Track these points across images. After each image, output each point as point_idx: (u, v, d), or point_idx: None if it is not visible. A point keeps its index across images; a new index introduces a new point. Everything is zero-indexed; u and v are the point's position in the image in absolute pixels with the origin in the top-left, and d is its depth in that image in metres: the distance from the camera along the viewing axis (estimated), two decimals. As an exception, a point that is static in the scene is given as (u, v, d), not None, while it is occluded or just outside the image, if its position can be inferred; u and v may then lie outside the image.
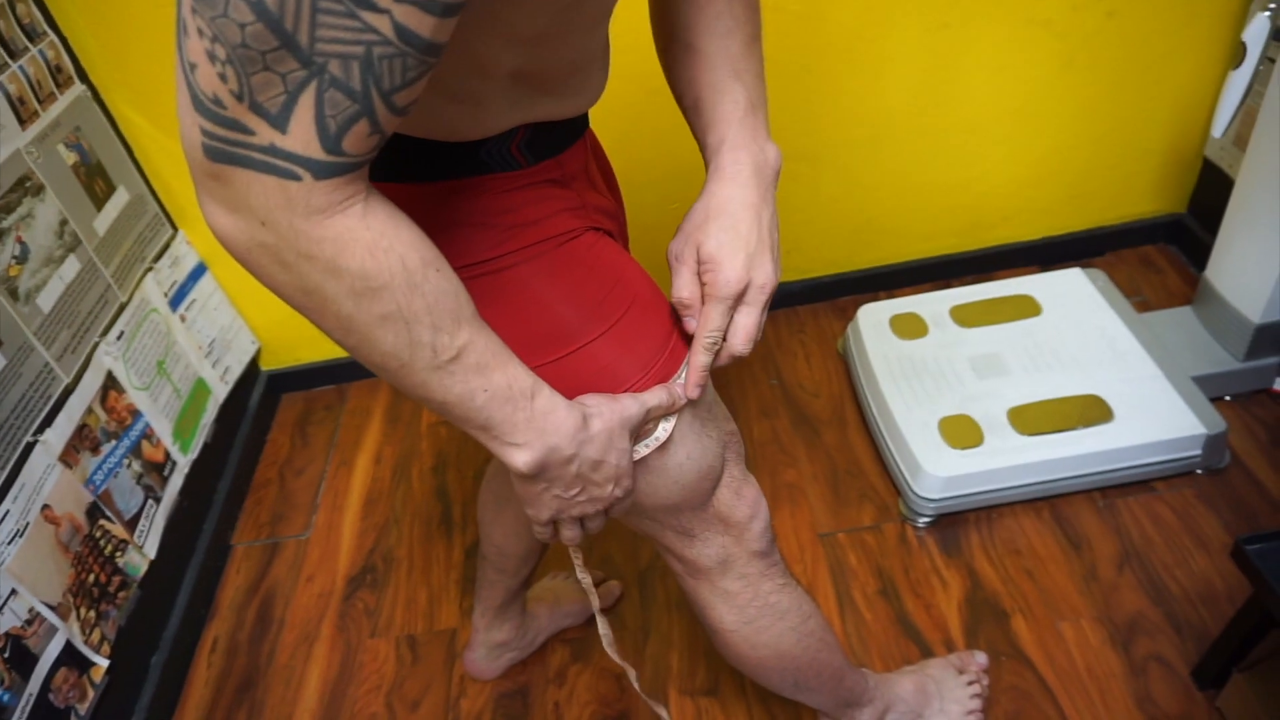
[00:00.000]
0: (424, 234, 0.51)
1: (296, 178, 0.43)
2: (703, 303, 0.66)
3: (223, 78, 0.40)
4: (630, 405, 0.62)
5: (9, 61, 1.20)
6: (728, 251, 0.64)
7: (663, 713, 0.98)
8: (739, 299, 0.65)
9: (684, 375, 0.68)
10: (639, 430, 0.64)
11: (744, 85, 0.67)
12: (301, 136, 0.42)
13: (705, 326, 0.65)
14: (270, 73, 0.40)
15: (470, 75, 0.55)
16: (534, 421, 0.56)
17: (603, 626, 0.83)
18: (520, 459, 0.57)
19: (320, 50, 0.40)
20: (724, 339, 0.66)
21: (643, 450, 0.67)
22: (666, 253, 0.68)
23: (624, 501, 0.65)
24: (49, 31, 1.29)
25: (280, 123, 0.42)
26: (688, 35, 0.67)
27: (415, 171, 0.59)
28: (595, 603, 0.80)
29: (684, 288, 0.66)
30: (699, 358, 0.66)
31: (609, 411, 0.61)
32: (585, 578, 0.78)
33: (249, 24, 0.39)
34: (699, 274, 0.65)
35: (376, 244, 0.47)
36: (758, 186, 0.66)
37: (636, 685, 0.90)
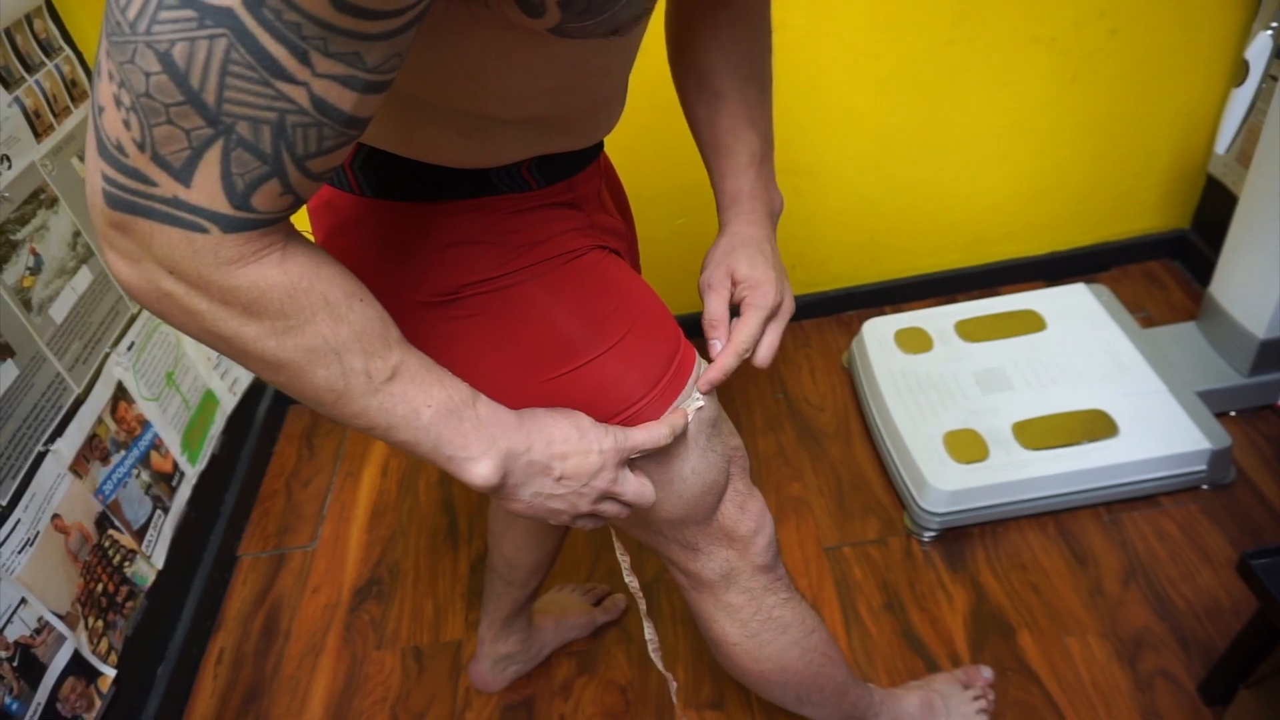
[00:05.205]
0: (344, 268, 0.50)
1: (203, 230, 0.41)
2: (733, 318, 0.72)
3: (126, 124, 0.39)
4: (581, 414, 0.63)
5: (25, 76, 1.21)
6: (762, 272, 0.71)
7: None
8: (775, 312, 0.71)
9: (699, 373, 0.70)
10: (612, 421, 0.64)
11: (758, 134, 0.73)
12: (207, 191, 0.40)
13: (742, 333, 0.70)
14: (173, 127, 0.38)
15: (480, 118, 0.56)
16: (481, 428, 0.55)
17: (650, 632, 0.84)
18: (480, 471, 0.55)
19: (228, 111, 0.38)
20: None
21: (692, 407, 0.68)
22: (698, 286, 0.73)
23: (623, 486, 0.63)
24: (64, 46, 1.31)
25: (183, 177, 0.40)
26: (709, 77, 0.72)
27: (423, 192, 0.60)
28: (642, 606, 0.82)
29: (716, 309, 0.71)
30: (728, 359, 0.69)
31: (548, 408, 0.62)
32: (632, 580, 0.80)
33: (154, 74, 0.37)
34: (734, 295, 0.72)
35: (296, 286, 0.46)
36: (771, 227, 0.74)
37: (675, 698, 0.91)
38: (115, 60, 0.38)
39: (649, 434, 0.64)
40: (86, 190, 0.42)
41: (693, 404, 0.68)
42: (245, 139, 0.39)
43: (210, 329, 0.46)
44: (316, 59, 0.38)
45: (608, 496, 0.62)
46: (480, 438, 0.55)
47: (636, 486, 0.64)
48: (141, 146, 0.39)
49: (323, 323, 0.47)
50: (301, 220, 0.57)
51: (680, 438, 0.68)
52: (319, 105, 0.39)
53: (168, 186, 0.40)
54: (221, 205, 0.41)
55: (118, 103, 0.39)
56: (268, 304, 0.45)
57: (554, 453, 0.59)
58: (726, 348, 0.70)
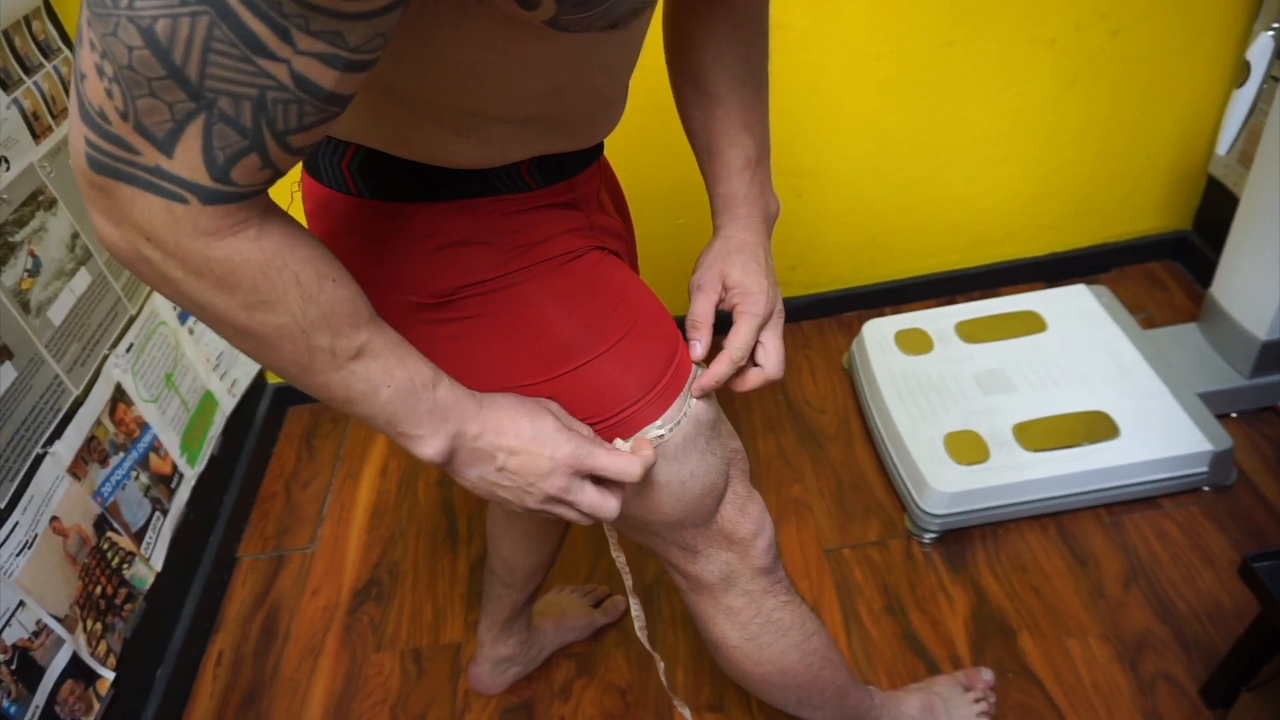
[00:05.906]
0: (321, 247, 0.50)
1: (183, 200, 0.42)
2: (729, 323, 0.72)
3: (109, 94, 0.39)
4: (550, 403, 0.63)
5: (24, 78, 1.21)
6: (754, 278, 0.71)
7: (685, 712, 1.01)
8: (767, 319, 0.71)
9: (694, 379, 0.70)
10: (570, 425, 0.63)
11: (753, 138, 0.73)
12: (188, 163, 0.41)
13: (736, 340, 0.70)
14: (156, 99, 0.39)
15: (479, 117, 0.56)
16: (437, 410, 0.56)
17: (635, 609, 0.83)
18: (426, 450, 0.56)
19: (210, 87, 0.38)
20: (751, 361, 0.72)
21: (653, 433, 0.66)
22: (688, 287, 0.73)
23: (577, 496, 0.61)
24: (63, 48, 1.31)
25: (166, 147, 0.40)
26: (705, 80, 0.71)
27: (421, 193, 0.60)
28: (628, 581, 0.81)
29: (700, 310, 0.71)
30: (721, 368, 0.70)
31: (518, 400, 0.61)
32: (619, 556, 0.79)
33: (136, 48, 0.37)
34: (724, 300, 0.72)
35: (270, 264, 0.46)
36: (765, 233, 0.74)
37: (664, 677, 0.92)
38: (97, 31, 0.38)
39: (615, 462, 0.61)
40: (70, 150, 0.43)
41: (654, 430, 0.66)
42: (227, 114, 0.39)
43: (185, 294, 0.47)
44: (298, 37, 0.38)
45: (559, 501, 0.61)
46: (433, 419, 0.56)
47: (594, 499, 0.61)
48: (124, 116, 0.39)
49: (293, 301, 0.48)
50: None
51: (674, 445, 0.68)
52: (300, 82, 0.40)
53: (150, 155, 0.41)
54: (202, 177, 0.41)
55: (100, 72, 0.39)
56: (241, 278, 0.46)
57: (501, 444, 0.59)
58: (721, 355, 0.70)
